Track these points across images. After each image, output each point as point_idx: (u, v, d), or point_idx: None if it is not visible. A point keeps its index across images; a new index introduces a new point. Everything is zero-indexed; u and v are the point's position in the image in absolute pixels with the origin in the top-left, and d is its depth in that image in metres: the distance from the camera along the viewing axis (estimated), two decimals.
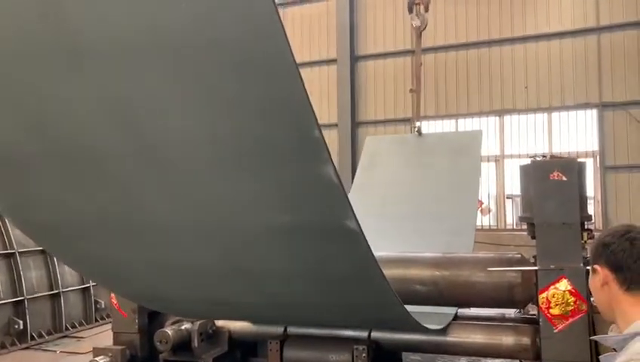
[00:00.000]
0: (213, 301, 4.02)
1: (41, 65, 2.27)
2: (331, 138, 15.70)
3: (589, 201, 4.99)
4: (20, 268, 9.07)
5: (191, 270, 3.42)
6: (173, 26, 2.02)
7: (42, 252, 9.45)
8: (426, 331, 4.39)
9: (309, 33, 17.02)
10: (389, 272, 3.57)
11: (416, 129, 8.90)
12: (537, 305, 4.36)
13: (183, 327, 4.98)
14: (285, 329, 4.93)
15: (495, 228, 14.64)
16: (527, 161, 4.84)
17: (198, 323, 4.99)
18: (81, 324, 10.00)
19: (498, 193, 14.93)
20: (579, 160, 5.48)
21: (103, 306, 10.25)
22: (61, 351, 8.64)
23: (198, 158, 2.53)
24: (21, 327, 8.81)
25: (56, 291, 9.67)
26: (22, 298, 8.99)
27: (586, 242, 4.36)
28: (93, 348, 5.26)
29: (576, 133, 14.11)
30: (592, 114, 13.97)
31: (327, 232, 2.80)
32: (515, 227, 14.23)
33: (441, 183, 7.64)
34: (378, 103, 16.11)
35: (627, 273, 1.82)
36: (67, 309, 9.80)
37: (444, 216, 7.04)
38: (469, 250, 6.37)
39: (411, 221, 7.09)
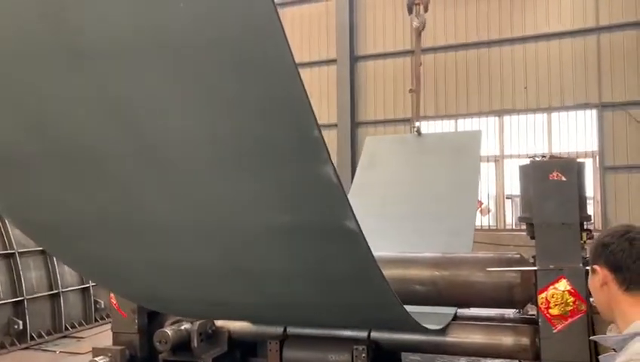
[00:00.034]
0: (212, 301, 4.02)
1: (41, 65, 2.27)
2: (331, 138, 15.71)
3: (588, 201, 4.99)
4: (20, 269, 9.07)
5: (191, 270, 3.42)
6: (173, 26, 2.03)
7: (42, 252, 9.45)
8: (426, 331, 4.39)
9: (308, 33, 17.03)
10: (388, 272, 3.57)
11: (415, 129, 8.90)
12: (536, 305, 4.36)
13: (182, 327, 4.98)
14: (285, 330, 4.93)
15: (494, 228, 14.65)
16: (527, 161, 4.84)
17: (198, 323, 4.98)
18: (80, 324, 10.00)
19: (497, 193, 14.93)
20: (578, 160, 5.48)
21: (102, 306, 10.26)
22: (61, 351, 8.64)
23: (198, 158, 2.53)
24: (21, 327, 8.81)
25: (56, 291, 9.67)
26: (21, 298, 8.99)
27: (585, 242, 4.36)
28: (93, 348, 5.25)
29: (575, 134, 14.12)
30: (592, 114, 13.98)
31: (326, 232, 2.81)
32: (514, 227, 14.23)
33: (440, 183, 7.64)
34: (378, 103, 16.12)
35: (626, 273, 1.82)
36: (67, 309, 9.80)
37: (444, 216, 7.05)
38: (468, 250, 6.37)
39: (411, 221, 7.09)
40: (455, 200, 7.27)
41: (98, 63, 2.20)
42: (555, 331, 4.22)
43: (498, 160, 14.86)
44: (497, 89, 14.78)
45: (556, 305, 4.22)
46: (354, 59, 16.39)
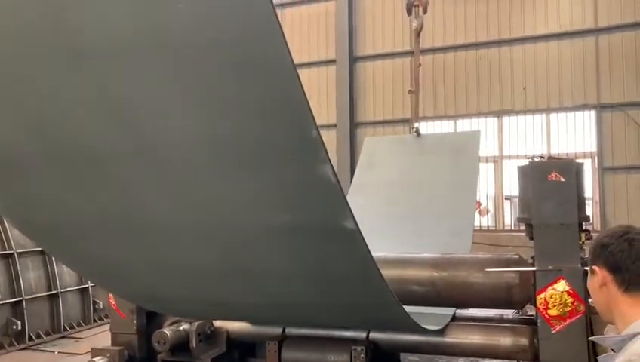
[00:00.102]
0: (212, 301, 4.02)
1: (41, 65, 2.27)
2: (330, 138, 15.70)
3: (587, 202, 4.99)
4: (19, 269, 9.06)
5: (191, 270, 3.42)
6: (173, 26, 2.03)
7: (41, 252, 9.44)
8: (424, 332, 4.39)
9: (308, 34, 17.03)
10: (387, 273, 3.57)
11: (414, 130, 8.91)
12: (535, 305, 4.36)
13: (181, 328, 4.98)
14: (283, 330, 4.93)
15: (493, 228, 14.64)
16: (526, 161, 4.84)
17: (197, 323, 4.98)
18: (79, 325, 9.99)
19: (496, 194, 14.94)
20: (577, 161, 5.48)
21: (101, 307, 10.25)
22: (59, 352, 8.63)
23: (198, 158, 2.53)
24: (19, 328, 8.79)
25: (55, 291, 9.66)
26: (20, 298, 8.97)
27: (583, 243, 4.36)
28: (92, 349, 5.25)
29: (574, 134, 14.12)
30: (590, 115, 13.98)
31: (325, 232, 2.81)
32: (513, 228, 14.23)
33: (439, 184, 7.65)
34: (377, 104, 16.12)
35: (626, 274, 1.82)
36: (65, 310, 9.79)
37: (443, 217, 7.06)
38: (467, 250, 6.38)
39: (409, 221, 7.10)
40: (454, 201, 7.28)
41: (98, 63, 2.20)
42: (553, 332, 4.23)
43: (497, 160, 14.87)
44: (496, 90, 14.79)
45: (555, 305, 4.22)
46: (353, 59, 16.39)
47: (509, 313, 5.18)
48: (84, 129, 2.51)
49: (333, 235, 2.80)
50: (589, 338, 3.74)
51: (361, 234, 2.72)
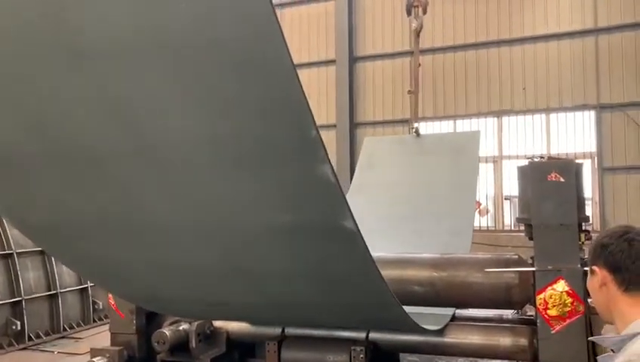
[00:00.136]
0: (212, 301, 4.02)
1: (41, 65, 2.27)
2: (330, 138, 15.69)
3: (586, 203, 5.00)
4: (18, 269, 9.05)
5: (191, 270, 3.42)
6: (173, 26, 2.03)
7: (40, 252, 9.43)
8: (424, 332, 4.39)
9: (307, 34, 17.03)
10: (387, 273, 3.58)
11: (414, 130, 8.91)
12: (535, 306, 4.37)
13: (180, 328, 4.98)
14: (283, 330, 4.93)
15: (493, 229, 14.64)
16: (525, 162, 4.85)
17: (196, 323, 4.98)
18: (78, 325, 9.98)
19: (496, 194, 14.94)
20: (576, 161, 5.49)
21: (100, 307, 10.24)
22: (59, 352, 8.62)
23: (198, 158, 2.54)
24: (19, 328, 8.79)
25: (54, 292, 9.64)
26: (19, 298, 8.97)
27: (583, 243, 4.37)
28: (91, 349, 5.25)
29: (574, 135, 14.12)
30: (590, 115, 13.98)
31: (325, 232, 2.81)
32: (512, 228, 14.23)
33: (439, 184, 7.65)
34: (376, 104, 16.12)
35: (625, 274, 1.82)
36: (65, 310, 9.78)
37: (442, 217, 7.06)
38: (466, 250, 6.38)
39: (409, 221, 7.10)
40: (453, 201, 7.29)
41: (98, 63, 2.20)
42: (553, 332, 4.23)
43: (497, 161, 14.87)
44: (496, 90, 14.79)
45: (554, 305, 4.23)
46: (353, 59, 16.39)
47: (508, 313, 5.18)
48: (84, 129, 2.52)
49: (332, 235, 2.81)
50: (589, 338, 3.75)
51: (361, 234, 2.72)
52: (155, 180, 2.72)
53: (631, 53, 13.56)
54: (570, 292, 4.20)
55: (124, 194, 2.88)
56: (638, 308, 1.79)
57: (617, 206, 13.46)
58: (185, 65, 2.14)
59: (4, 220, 8.82)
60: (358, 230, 2.69)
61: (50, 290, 9.63)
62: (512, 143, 14.74)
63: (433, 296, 4.86)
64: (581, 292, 4.15)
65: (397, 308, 3.56)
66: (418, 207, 7.34)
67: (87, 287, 10.22)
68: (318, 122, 2.25)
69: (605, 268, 1.87)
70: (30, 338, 8.99)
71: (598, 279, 1.89)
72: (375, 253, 3.07)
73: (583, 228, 4.48)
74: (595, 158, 13.84)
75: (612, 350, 1.82)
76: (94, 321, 10.26)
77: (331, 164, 2.37)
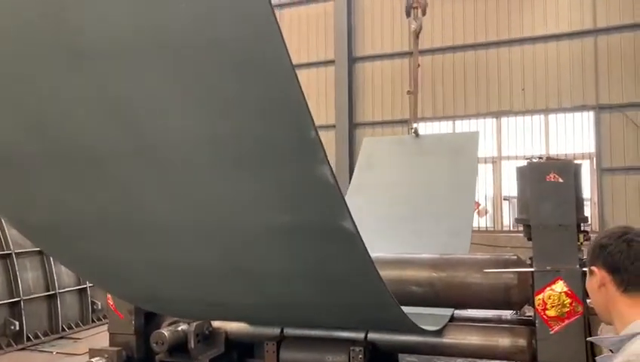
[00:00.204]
0: (212, 301, 4.02)
1: (41, 65, 2.27)
2: (329, 139, 15.70)
3: (585, 203, 5.00)
4: (17, 269, 9.05)
5: (191, 270, 3.42)
6: (173, 26, 2.03)
7: (39, 252, 9.43)
8: (423, 332, 4.39)
9: (307, 34, 17.04)
10: (385, 273, 3.58)
11: (413, 130, 8.91)
12: (533, 306, 4.37)
13: (179, 328, 4.97)
14: (282, 331, 4.93)
15: (492, 229, 14.65)
16: (524, 162, 4.85)
17: (195, 324, 4.98)
18: (77, 325, 9.98)
19: (495, 194, 14.95)
20: (575, 162, 5.49)
21: (99, 307, 10.24)
22: (57, 352, 8.62)
23: (198, 158, 2.54)
24: (17, 328, 8.78)
25: (53, 292, 9.64)
26: (18, 299, 8.96)
27: (582, 244, 4.37)
28: (90, 349, 5.25)
29: (573, 135, 14.14)
30: (589, 116, 14.00)
31: (323, 233, 2.82)
32: (511, 228, 14.24)
33: (438, 184, 7.66)
34: (376, 105, 16.13)
35: (624, 274, 1.83)
36: (63, 310, 9.78)
37: (441, 217, 7.06)
38: (465, 251, 6.38)
39: (408, 222, 7.10)
40: (452, 202, 7.29)
41: (98, 63, 2.21)
42: (551, 332, 4.23)
43: (495, 161, 14.88)
44: (495, 90, 14.80)
45: (553, 306, 4.23)
46: (352, 60, 16.39)
47: (507, 314, 5.18)
48: (84, 129, 2.52)
49: (331, 236, 2.81)
50: (587, 338, 3.75)
51: (359, 235, 2.72)
52: (155, 180, 2.72)
53: (630, 54, 13.57)
54: (569, 292, 4.20)
55: (124, 194, 2.88)
56: (636, 308, 1.80)
57: (616, 206, 13.48)
58: (185, 65, 2.14)
59: (2, 220, 8.82)
60: (357, 231, 2.69)
61: (48, 290, 9.62)
62: (510, 144, 14.76)
63: (432, 297, 4.86)
64: (580, 293, 4.16)
65: (396, 309, 3.56)
66: (417, 208, 7.35)
67: (86, 288, 10.22)
68: (317, 122, 2.25)
69: (604, 268, 1.88)
70: (29, 339, 8.98)
71: (597, 279, 1.90)
72: (374, 254, 3.07)
73: (582, 228, 4.48)
74: (594, 159, 13.85)
75: (611, 350, 1.82)
76: (93, 322, 10.26)
77: (330, 165, 2.38)
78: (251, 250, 3.08)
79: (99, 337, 8.54)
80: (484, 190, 14.72)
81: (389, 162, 8.47)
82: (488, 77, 14.88)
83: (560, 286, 4.23)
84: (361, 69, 16.39)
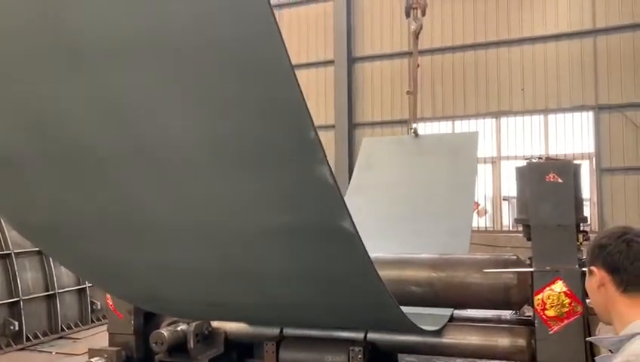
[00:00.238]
0: (212, 301, 4.02)
1: (41, 65, 2.27)
2: (328, 139, 15.70)
3: (584, 203, 5.00)
4: (16, 269, 9.05)
5: (190, 270, 3.42)
6: (173, 26, 2.03)
7: (38, 253, 9.43)
8: (422, 332, 4.39)
9: (306, 34, 17.04)
10: (385, 273, 3.58)
11: (412, 130, 8.91)
12: (533, 306, 4.37)
13: (179, 328, 4.97)
14: (281, 331, 4.92)
15: (491, 229, 14.66)
16: (523, 162, 4.85)
17: (194, 324, 4.98)
18: (76, 325, 9.99)
19: (494, 195, 14.96)
20: (575, 162, 5.50)
21: (98, 307, 10.24)
22: (57, 352, 8.63)
23: (198, 158, 2.54)
24: (16, 328, 8.79)
25: (52, 292, 9.65)
26: (17, 299, 8.97)
27: (581, 244, 4.37)
28: (89, 349, 5.25)
29: (572, 135, 14.15)
30: (588, 116, 14.01)
31: (323, 233, 2.81)
32: (511, 229, 14.25)
33: (437, 185, 7.65)
34: (375, 105, 16.14)
35: (624, 274, 1.83)
36: (63, 310, 9.78)
37: (441, 217, 7.06)
38: (464, 251, 6.38)
39: (408, 222, 7.10)
40: (452, 202, 7.29)
41: (98, 63, 2.21)
42: (551, 332, 4.23)
43: (495, 161, 14.89)
44: (494, 91, 14.81)
45: (552, 306, 4.23)
46: (351, 60, 16.40)
47: (506, 314, 5.18)
48: (84, 129, 2.52)
49: (330, 236, 2.81)
50: (587, 338, 3.76)
51: (359, 235, 2.72)
52: (155, 180, 2.72)
53: (629, 54, 13.58)
54: (568, 292, 4.20)
55: (124, 194, 2.87)
56: (636, 308, 1.80)
57: (615, 206, 13.49)
58: (185, 65, 2.14)
59: (1, 220, 8.81)
60: (356, 231, 2.69)
61: (48, 291, 9.63)
62: (510, 144, 14.78)
63: (432, 297, 4.86)
64: (579, 293, 4.16)
65: (395, 309, 3.56)
66: (416, 208, 7.34)
67: (86, 288, 10.23)
68: (317, 123, 2.26)
69: (604, 268, 1.88)
70: (28, 339, 8.99)
71: (597, 280, 1.90)
72: (373, 254, 3.07)
73: (581, 228, 4.49)
74: (594, 159, 13.87)
75: (610, 350, 1.82)
76: (92, 322, 10.27)
77: (329, 166, 2.38)
78: (251, 250, 3.08)
79: (98, 337, 8.53)
80: (483, 190, 14.73)
81: (388, 162, 8.47)
82: (488, 77, 14.90)
83: (559, 287, 4.23)
84: (360, 69, 16.40)
